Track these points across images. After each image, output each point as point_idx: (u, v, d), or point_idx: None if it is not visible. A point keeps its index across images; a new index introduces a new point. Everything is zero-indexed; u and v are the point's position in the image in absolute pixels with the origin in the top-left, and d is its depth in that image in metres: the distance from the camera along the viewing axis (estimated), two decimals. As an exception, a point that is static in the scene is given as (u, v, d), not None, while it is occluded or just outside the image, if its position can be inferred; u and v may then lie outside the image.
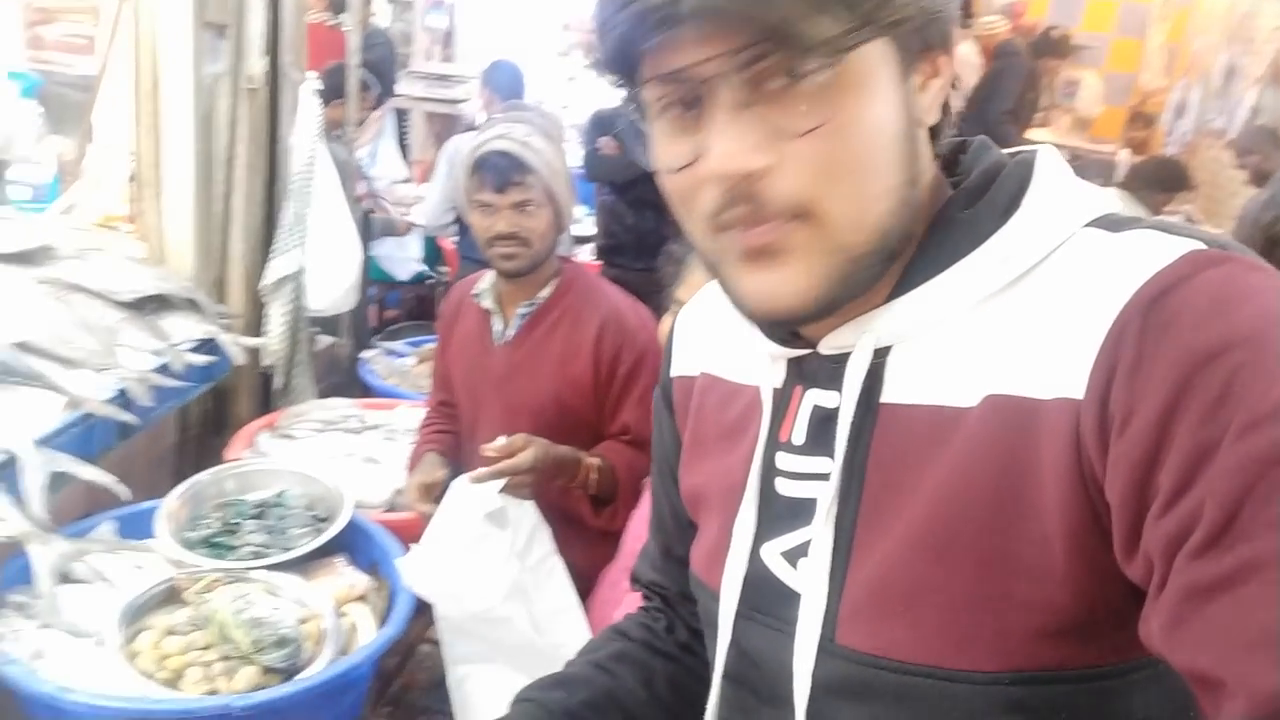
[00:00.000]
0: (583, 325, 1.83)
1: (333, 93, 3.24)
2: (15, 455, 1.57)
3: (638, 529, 1.55)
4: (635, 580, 0.98)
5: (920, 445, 0.62)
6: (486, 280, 1.93)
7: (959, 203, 0.65)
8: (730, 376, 0.80)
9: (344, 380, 3.23)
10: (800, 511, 0.69)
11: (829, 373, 0.68)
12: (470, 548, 1.52)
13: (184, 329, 2.21)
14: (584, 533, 1.74)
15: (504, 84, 3.95)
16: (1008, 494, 0.58)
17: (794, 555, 0.69)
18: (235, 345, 2.28)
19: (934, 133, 0.67)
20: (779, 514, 0.71)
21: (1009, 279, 0.61)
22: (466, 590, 1.54)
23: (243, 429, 2.47)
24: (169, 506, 1.87)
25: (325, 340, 3.09)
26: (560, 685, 0.85)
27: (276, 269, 2.48)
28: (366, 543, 1.94)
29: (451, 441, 2.00)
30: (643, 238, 3.67)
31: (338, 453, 2.39)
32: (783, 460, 0.71)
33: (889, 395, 0.65)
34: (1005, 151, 0.68)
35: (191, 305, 2.26)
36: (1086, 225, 0.62)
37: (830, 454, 0.66)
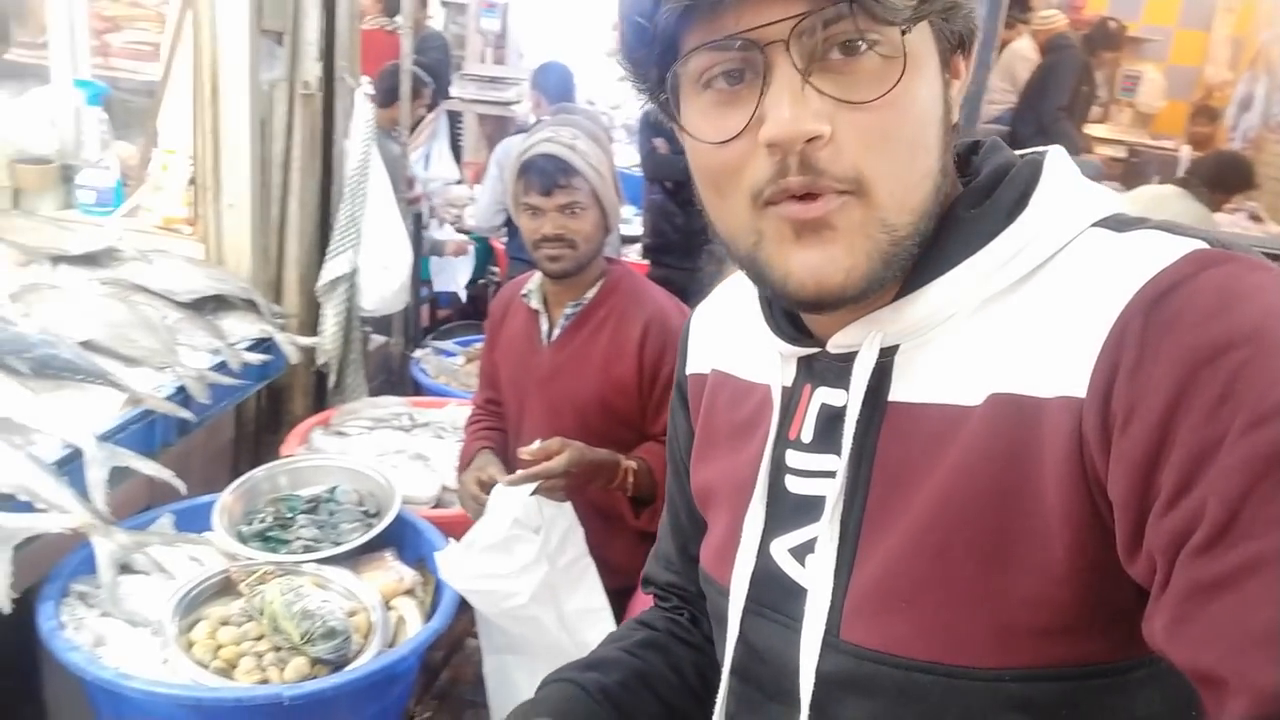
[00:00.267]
0: (627, 326, 1.85)
1: (390, 94, 3.31)
2: (80, 450, 1.64)
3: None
4: (649, 583, 0.99)
5: (925, 443, 0.63)
6: (534, 281, 1.96)
7: (966, 202, 0.65)
8: (741, 374, 0.81)
9: (395, 379, 3.29)
10: (809, 508, 0.69)
11: (837, 371, 0.69)
12: (502, 548, 1.55)
13: (241, 328, 2.27)
14: (625, 532, 1.76)
15: (554, 86, 3.98)
16: (1010, 492, 0.59)
17: (801, 552, 0.70)
18: (290, 344, 2.33)
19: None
20: (788, 511, 0.72)
21: (1015, 278, 0.62)
22: (495, 588, 1.57)
23: (297, 426, 2.53)
24: (225, 501, 1.93)
25: (377, 340, 3.15)
26: (592, 667, 0.86)
27: (331, 270, 2.53)
28: (415, 538, 1.98)
29: (500, 439, 2.03)
30: (691, 237, 3.68)
31: (388, 450, 2.44)
32: (792, 458, 0.72)
33: (896, 394, 0.65)
34: (1018, 153, 0.68)
35: (249, 305, 2.33)
36: (1093, 225, 0.62)
37: (838, 452, 0.67)
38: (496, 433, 2.01)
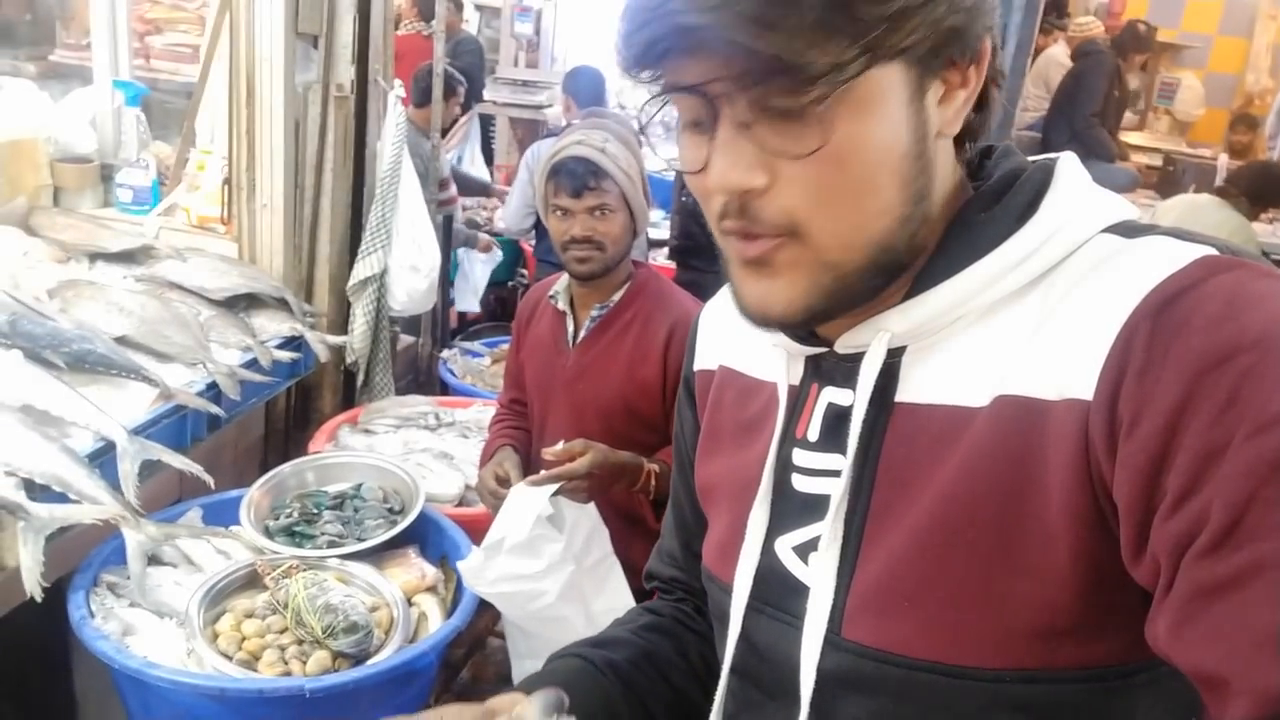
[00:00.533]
0: (653, 329, 1.86)
1: (426, 94, 3.34)
2: (112, 443, 1.67)
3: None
4: (652, 578, 0.99)
5: (931, 444, 0.63)
6: (562, 282, 1.97)
7: (977, 206, 0.66)
8: (749, 372, 0.81)
9: (423, 378, 3.32)
10: (814, 507, 0.70)
11: (844, 371, 0.69)
12: (526, 549, 1.56)
13: (272, 327, 2.30)
14: (646, 534, 1.76)
15: (585, 90, 4.01)
16: (1014, 493, 0.59)
17: (805, 550, 0.71)
18: (320, 343, 2.36)
19: (964, 138, 0.68)
20: (793, 509, 0.72)
21: (1023, 282, 0.62)
22: (522, 590, 1.57)
23: (325, 423, 2.56)
24: (252, 495, 1.96)
25: (406, 340, 3.18)
26: (600, 645, 0.87)
27: (361, 270, 2.56)
28: (438, 535, 1.99)
29: (524, 437, 2.05)
30: (719, 241, 3.67)
31: (414, 448, 2.46)
32: (798, 456, 0.72)
33: (903, 395, 0.66)
34: (1032, 159, 0.68)
35: (280, 304, 2.36)
36: (1103, 231, 0.62)
37: (843, 451, 0.67)
38: (519, 432, 2.03)
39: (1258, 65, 6.63)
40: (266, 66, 2.31)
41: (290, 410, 2.70)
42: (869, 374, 0.66)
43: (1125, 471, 0.54)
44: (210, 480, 1.78)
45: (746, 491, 0.75)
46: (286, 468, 2.10)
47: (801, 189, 0.60)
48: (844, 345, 0.69)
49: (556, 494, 1.60)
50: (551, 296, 1.96)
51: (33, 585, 1.44)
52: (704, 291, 2.03)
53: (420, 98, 3.58)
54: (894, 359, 0.66)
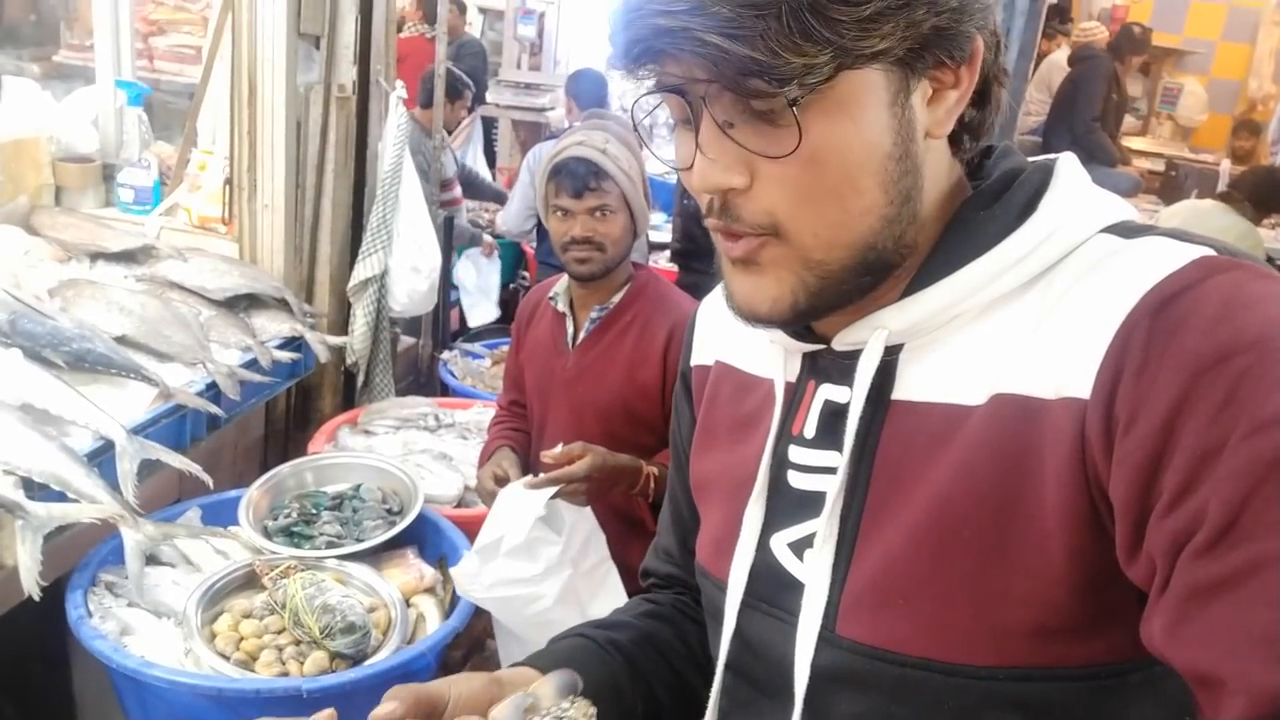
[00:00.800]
0: (652, 331, 1.85)
1: (433, 96, 3.35)
2: (111, 442, 1.67)
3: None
4: (648, 575, 0.98)
5: (927, 442, 0.64)
6: (562, 284, 1.97)
7: (975, 205, 0.66)
8: (745, 368, 0.81)
9: (423, 379, 3.32)
10: (810, 504, 0.70)
11: (841, 368, 0.69)
12: (524, 552, 1.55)
13: (273, 327, 2.30)
14: (645, 537, 1.73)
15: (587, 92, 4.01)
16: (1009, 492, 0.59)
17: (801, 546, 0.71)
18: (320, 343, 2.36)
19: (964, 137, 0.68)
20: (789, 505, 0.72)
21: (1022, 280, 0.62)
22: (519, 594, 1.57)
23: (325, 424, 2.56)
24: (251, 496, 1.96)
25: (406, 341, 3.18)
26: (603, 626, 0.87)
27: (362, 271, 2.57)
28: (436, 536, 1.99)
29: (523, 439, 2.04)
30: (721, 244, 3.67)
31: (413, 449, 2.46)
32: (795, 453, 0.72)
33: (899, 392, 0.66)
34: (1032, 159, 0.68)
35: (280, 304, 2.36)
36: (1101, 231, 0.62)
37: (840, 448, 0.67)
38: (519, 433, 2.02)
39: (1260, 71, 6.64)
40: (268, 67, 2.31)
41: (290, 411, 2.70)
42: (866, 371, 0.66)
43: (1121, 470, 0.54)
44: (209, 480, 1.78)
45: (742, 488, 0.75)
46: (285, 468, 2.10)
47: (780, 189, 0.61)
48: (841, 342, 0.69)
49: (555, 497, 1.59)
50: (551, 298, 1.96)
51: (30, 584, 1.44)
52: (705, 294, 2.04)
53: (426, 99, 3.58)
54: (891, 356, 0.66)
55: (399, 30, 5.08)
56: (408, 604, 1.80)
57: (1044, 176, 0.65)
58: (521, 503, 1.59)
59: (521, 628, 1.65)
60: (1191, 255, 0.56)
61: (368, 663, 1.60)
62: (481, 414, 2.61)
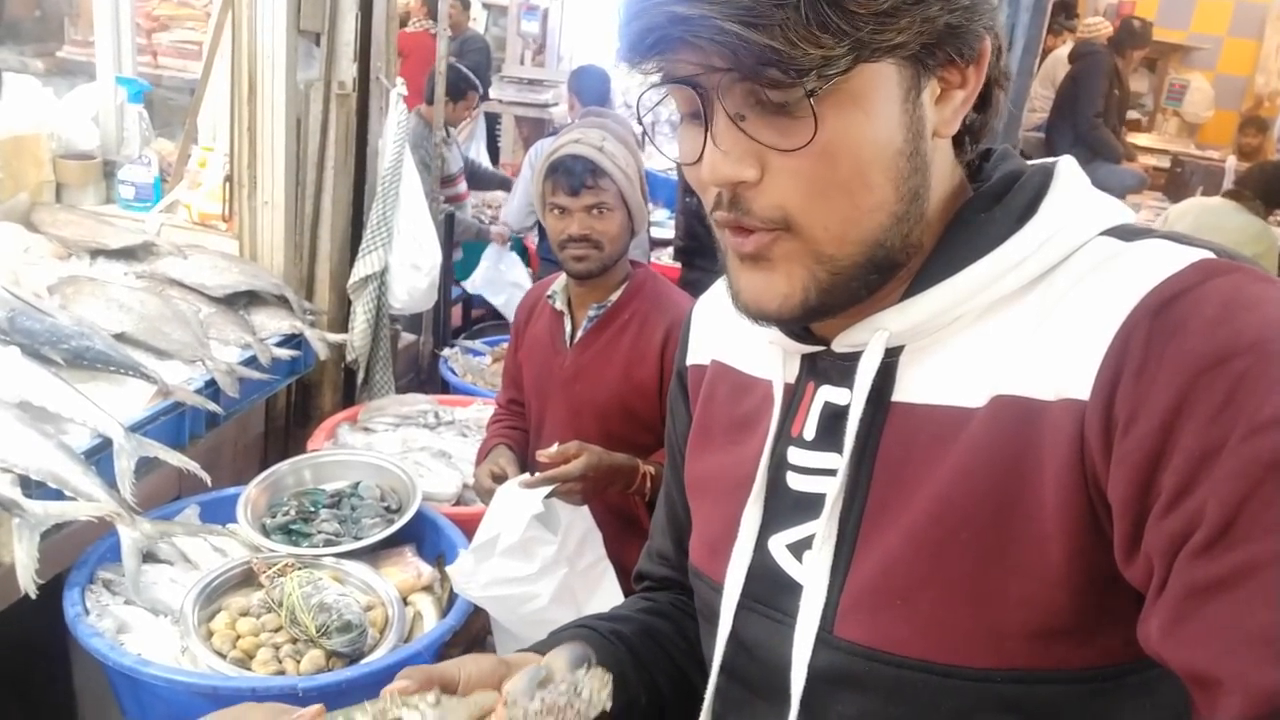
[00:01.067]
0: (650, 330, 1.85)
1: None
2: (109, 439, 1.67)
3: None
4: (642, 578, 0.98)
5: (927, 444, 0.63)
6: (559, 282, 1.97)
7: (976, 207, 0.66)
8: (743, 368, 0.81)
9: (424, 377, 3.32)
10: (808, 505, 0.70)
11: (841, 370, 0.69)
12: (520, 551, 1.55)
13: (272, 324, 2.30)
14: (642, 535, 1.74)
15: (590, 89, 4.01)
16: (1009, 493, 0.59)
17: (799, 548, 0.70)
18: (320, 341, 2.36)
19: (964, 138, 0.68)
20: (786, 507, 0.72)
21: (1022, 283, 0.63)
22: (514, 594, 1.57)
23: (325, 421, 2.56)
24: (249, 493, 1.96)
25: (407, 338, 3.18)
26: (604, 619, 0.87)
27: (362, 268, 2.56)
28: (434, 534, 1.99)
29: (520, 437, 2.04)
30: (723, 241, 3.66)
31: (413, 446, 2.46)
32: (794, 455, 0.72)
33: (899, 394, 0.66)
34: (1033, 162, 0.69)
35: (280, 301, 2.36)
36: (1101, 234, 0.62)
37: (839, 450, 0.67)
38: (516, 432, 2.02)
39: (1268, 67, 6.60)
40: (268, 64, 2.31)
41: (291, 407, 2.70)
42: (867, 373, 0.66)
43: (1120, 471, 0.54)
44: (207, 478, 1.79)
45: (740, 489, 0.74)
46: (284, 466, 2.10)
47: (792, 182, 0.61)
48: (841, 344, 0.69)
49: (550, 496, 1.59)
50: (549, 296, 1.95)
51: (27, 582, 1.44)
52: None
53: (432, 95, 3.57)
54: (891, 358, 0.66)
55: (404, 25, 5.10)
56: (405, 602, 1.80)
57: (1044, 179, 0.66)
58: (517, 502, 1.59)
59: (517, 626, 1.65)
60: (1191, 258, 0.56)
61: (364, 661, 1.60)
62: (481, 411, 2.61)
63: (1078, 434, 0.56)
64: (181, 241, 2.41)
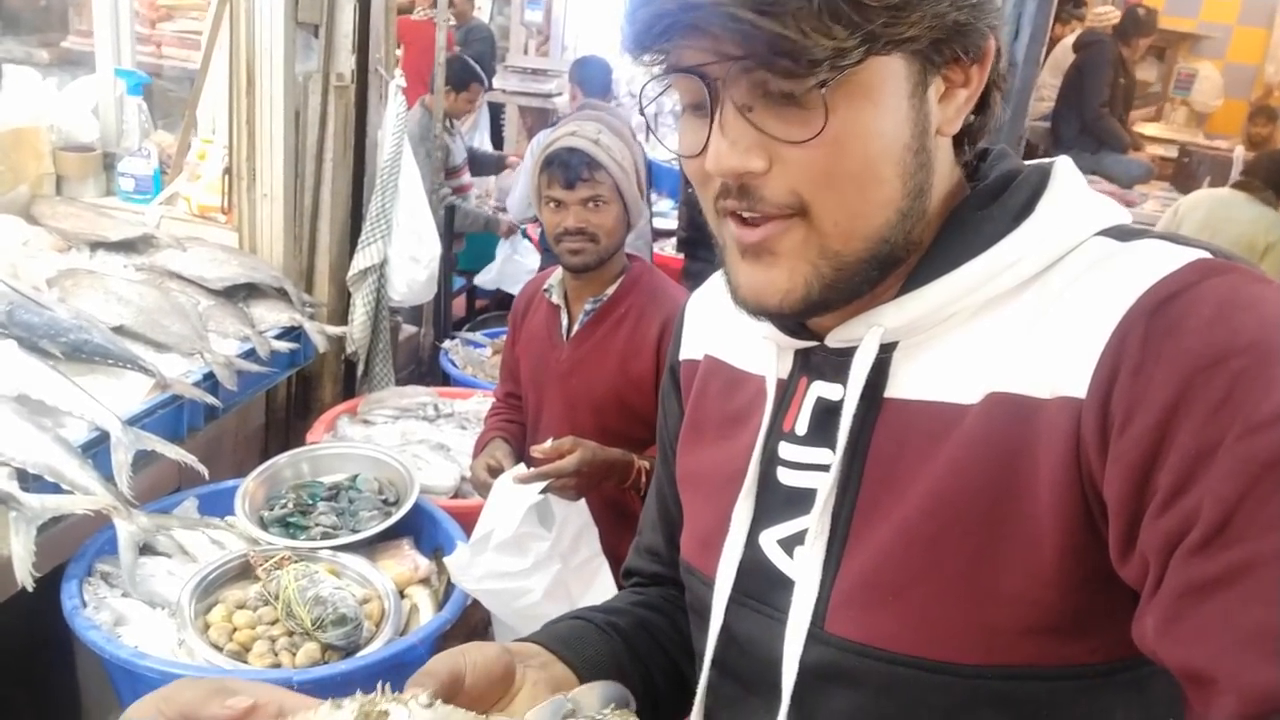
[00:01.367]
0: (646, 323, 1.85)
1: (452, 82, 3.34)
2: (107, 433, 1.68)
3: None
4: (632, 574, 0.97)
5: (920, 440, 0.63)
6: (556, 276, 1.97)
7: (973, 205, 0.66)
8: (735, 363, 0.81)
9: (425, 369, 3.32)
10: (799, 501, 0.70)
11: (834, 365, 0.69)
12: (513, 547, 1.56)
13: (271, 317, 2.31)
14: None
15: (592, 79, 3.99)
16: (1002, 491, 0.59)
17: (790, 543, 0.70)
18: (319, 333, 2.37)
19: (963, 139, 0.68)
20: (777, 502, 0.72)
21: (1018, 281, 0.63)
22: (508, 588, 1.57)
23: (325, 413, 2.57)
24: (247, 486, 1.97)
25: (408, 330, 3.19)
26: (600, 611, 0.87)
27: (361, 260, 2.57)
28: (432, 527, 2.00)
29: (517, 431, 2.05)
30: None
31: (411, 439, 2.47)
32: (785, 450, 0.72)
33: (893, 390, 0.66)
34: (1030, 162, 0.69)
35: (280, 294, 2.37)
36: (1097, 234, 0.62)
37: (832, 445, 0.67)
38: (514, 425, 2.03)
39: (1278, 56, 6.55)
40: (266, 56, 2.31)
41: (291, 399, 2.71)
42: (861, 368, 0.66)
43: (1116, 469, 0.54)
44: (205, 470, 1.79)
45: (731, 484, 0.74)
46: (282, 459, 2.10)
47: (802, 174, 0.60)
48: (836, 339, 0.69)
49: (545, 491, 1.60)
50: (546, 290, 1.95)
51: (24, 575, 1.45)
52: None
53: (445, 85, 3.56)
54: (885, 354, 0.66)
55: (410, 13, 5.09)
56: (402, 595, 1.81)
57: (1041, 179, 0.66)
58: (512, 496, 1.60)
59: (512, 620, 1.65)
60: (1187, 258, 0.56)
61: (360, 654, 1.61)
62: (482, 404, 2.61)
63: (1073, 432, 0.56)
64: (181, 234, 2.42)
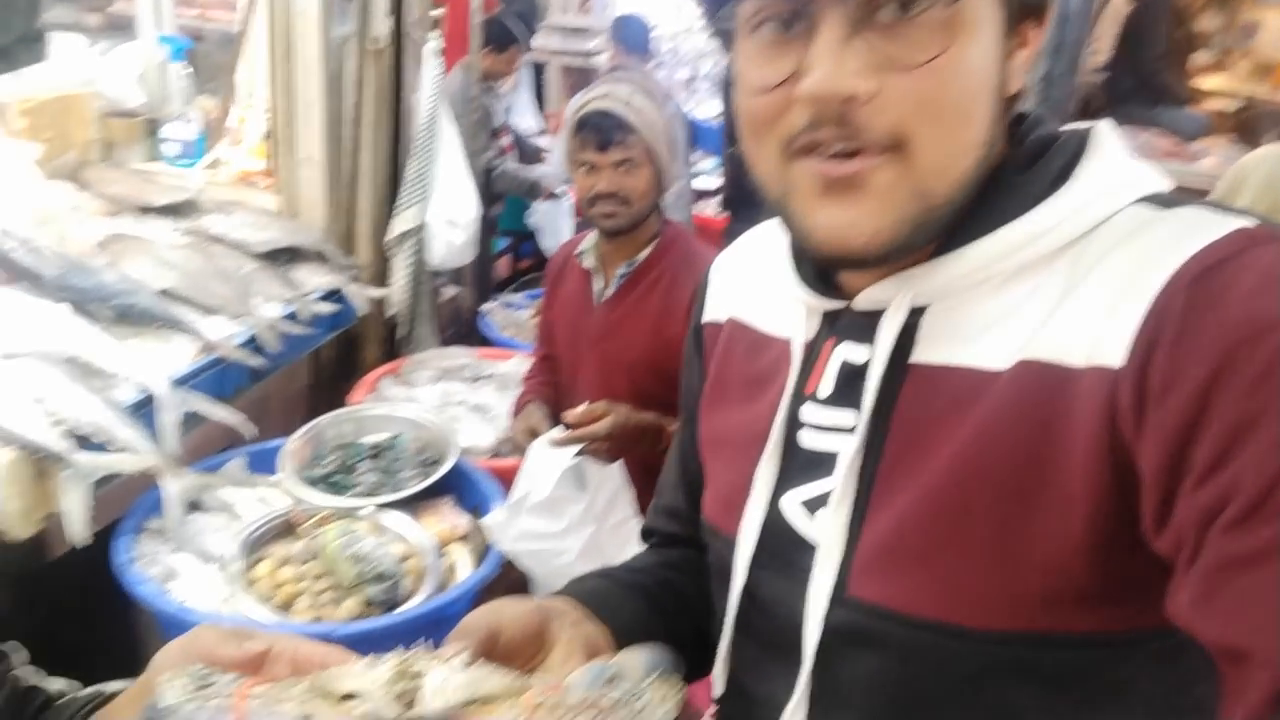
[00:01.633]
0: (679, 287, 1.85)
1: (491, 42, 3.33)
2: (154, 395, 1.73)
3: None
4: (651, 534, 0.98)
5: (948, 406, 0.63)
6: (589, 240, 1.97)
7: (1011, 169, 0.65)
8: (760, 326, 0.80)
9: (466, 330, 3.35)
10: (821, 463, 0.70)
11: (862, 328, 0.68)
12: (548, 509, 1.58)
13: (313, 279, 2.34)
14: (671, 490, 1.77)
15: (631, 38, 3.96)
16: (1033, 459, 0.59)
17: (813, 506, 0.70)
18: (360, 295, 2.40)
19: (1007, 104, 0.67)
20: (800, 465, 0.72)
21: (1054, 247, 0.61)
22: (544, 549, 1.60)
23: (367, 375, 2.61)
24: (292, 446, 2.02)
25: (450, 291, 3.21)
26: (624, 570, 0.88)
27: (399, 224, 2.59)
28: (471, 486, 2.04)
29: (554, 393, 2.07)
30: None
31: (451, 400, 2.50)
32: (808, 412, 0.72)
33: (920, 355, 0.65)
34: (1066, 127, 0.67)
35: (321, 257, 2.40)
36: (1137, 201, 0.61)
37: (856, 408, 0.67)
38: (550, 387, 2.05)
39: (1349, 2, 6.25)
40: (302, 19, 2.32)
41: (335, 361, 2.75)
42: (890, 331, 0.65)
43: (1153, 440, 0.53)
44: (251, 429, 1.84)
45: (753, 446, 0.74)
46: (325, 419, 2.15)
47: (910, 101, 0.58)
48: (865, 300, 0.68)
49: (579, 455, 1.62)
50: (579, 254, 1.96)
51: (78, 531, 1.50)
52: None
53: (485, 42, 3.55)
54: (914, 318, 0.66)
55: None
56: (442, 552, 1.85)
57: (1080, 144, 0.64)
58: (547, 460, 1.62)
59: (548, 580, 1.69)
60: (1230, 226, 0.55)
61: (400, 609, 1.65)
62: (521, 365, 2.63)
63: (1109, 401, 0.55)
64: (224, 198, 2.46)
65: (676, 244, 1.90)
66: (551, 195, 4.22)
